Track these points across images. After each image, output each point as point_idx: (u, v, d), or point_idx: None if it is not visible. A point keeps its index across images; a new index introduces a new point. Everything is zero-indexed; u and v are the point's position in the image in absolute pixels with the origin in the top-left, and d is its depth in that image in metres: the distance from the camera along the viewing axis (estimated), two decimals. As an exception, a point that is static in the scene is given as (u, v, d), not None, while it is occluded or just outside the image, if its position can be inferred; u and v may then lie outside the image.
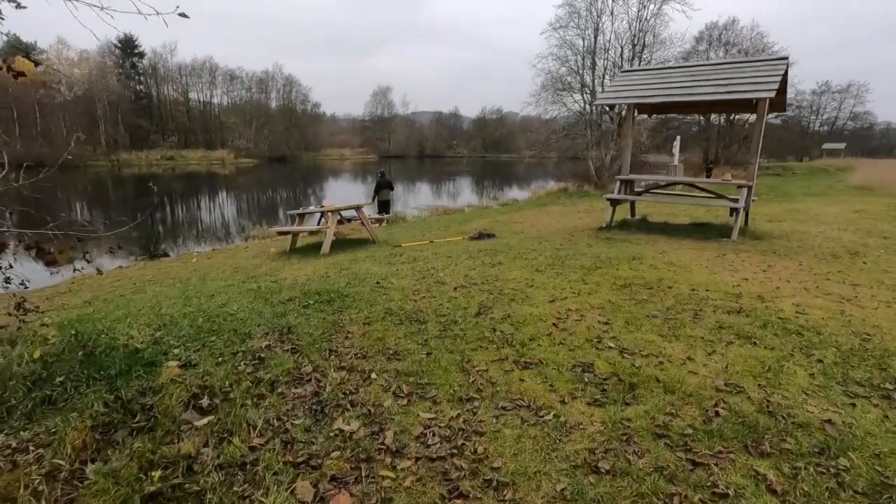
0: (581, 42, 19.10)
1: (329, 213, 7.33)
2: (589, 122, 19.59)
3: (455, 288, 3.99)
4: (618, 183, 7.07)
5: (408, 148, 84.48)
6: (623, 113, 19.30)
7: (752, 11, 53.92)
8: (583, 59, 19.16)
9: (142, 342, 2.97)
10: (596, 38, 19.08)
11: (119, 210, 20.45)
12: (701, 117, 38.24)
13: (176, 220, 17.76)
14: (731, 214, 6.52)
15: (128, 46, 60.14)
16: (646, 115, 18.99)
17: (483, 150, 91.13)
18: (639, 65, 19.49)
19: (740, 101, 5.91)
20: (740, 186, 6.03)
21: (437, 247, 6.61)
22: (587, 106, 19.75)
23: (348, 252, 7.10)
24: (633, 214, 7.77)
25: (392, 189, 13.37)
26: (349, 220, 8.19)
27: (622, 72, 7.15)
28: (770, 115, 34.92)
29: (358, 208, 7.65)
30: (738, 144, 36.24)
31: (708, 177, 25.24)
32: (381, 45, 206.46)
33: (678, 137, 22.26)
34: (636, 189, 7.49)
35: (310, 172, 47.36)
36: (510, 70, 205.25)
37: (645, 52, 19.59)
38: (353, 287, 4.16)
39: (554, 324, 3.08)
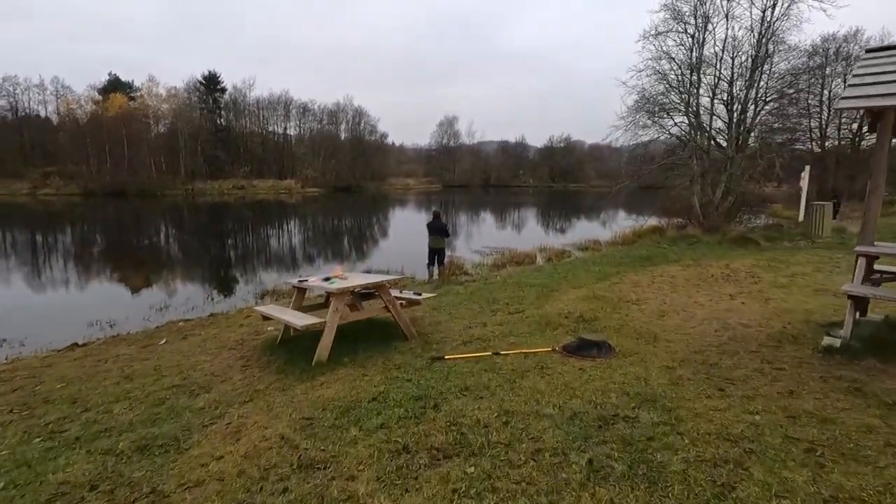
0: (687, 53, 15.58)
1: (334, 297, 4.53)
2: (695, 150, 15.82)
3: None
4: (861, 262, 3.69)
5: (473, 177, 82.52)
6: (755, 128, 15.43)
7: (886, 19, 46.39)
8: (690, 74, 15.59)
9: None
10: (702, 47, 15.50)
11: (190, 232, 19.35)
12: (815, 142, 32.71)
13: (217, 256, 16.06)
14: None
15: (211, 83, 63.67)
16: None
17: (550, 179, 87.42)
18: (759, 79, 15.60)
19: None
20: None
21: (506, 380, 3.54)
22: (692, 130, 16.02)
23: (358, 364, 4.24)
24: (864, 312, 4.27)
25: (447, 235, 10.51)
26: (370, 297, 5.41)
27: (869, 51, 3.87)
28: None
29: (379, 287, 4.79)
30: (867, 175, 30.08)
31: (835, 216, 20.30)
32: (451, 75, 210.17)
33: (807, 167, 17.86)
34: (875, 269, 4.02)
35: (373, 202, 46.21)
36: (579, 98, 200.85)
37: (765, 64, 15.70)
38: None
39: None
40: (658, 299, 6.03)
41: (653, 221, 20.24)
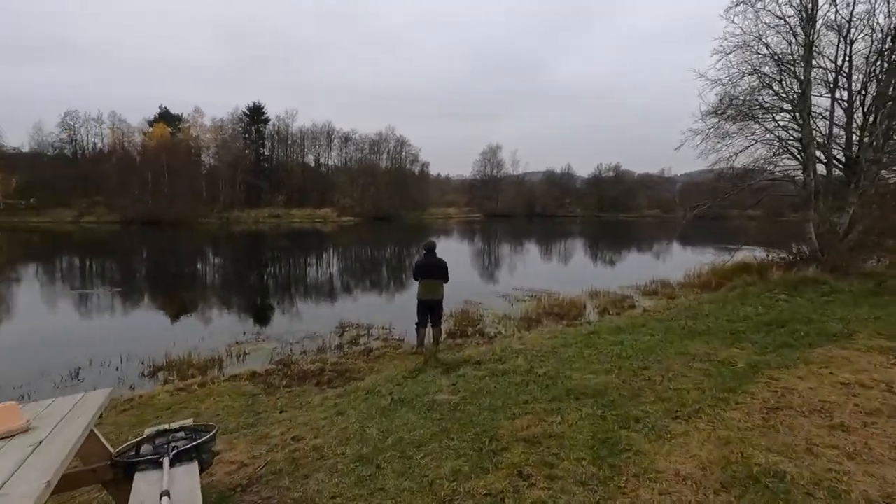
0: (792, 28, 11.38)
1: None
2: (809, 161, 11.45)
3: None
4: None
5: (516, 206, 78.58)
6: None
7: None
8: (807, 53, 11.30)
9: None
10: (813, 22, 11.28)
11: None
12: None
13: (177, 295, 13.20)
14: None
15: (256, 113, 64.30)
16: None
17: (598, 208, 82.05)
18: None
19: None
20: None
21: None
22: (805, 134, 11.65)
23: None
24: None
25: (445, 279, 6.84)
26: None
27: None
28: None
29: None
30: None
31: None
32: (497, 109, 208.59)
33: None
34: None
35: (409, 232, 43.28)
36: (626, 130, 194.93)
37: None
38: None
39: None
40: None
41: (738, 256, 15.64)
